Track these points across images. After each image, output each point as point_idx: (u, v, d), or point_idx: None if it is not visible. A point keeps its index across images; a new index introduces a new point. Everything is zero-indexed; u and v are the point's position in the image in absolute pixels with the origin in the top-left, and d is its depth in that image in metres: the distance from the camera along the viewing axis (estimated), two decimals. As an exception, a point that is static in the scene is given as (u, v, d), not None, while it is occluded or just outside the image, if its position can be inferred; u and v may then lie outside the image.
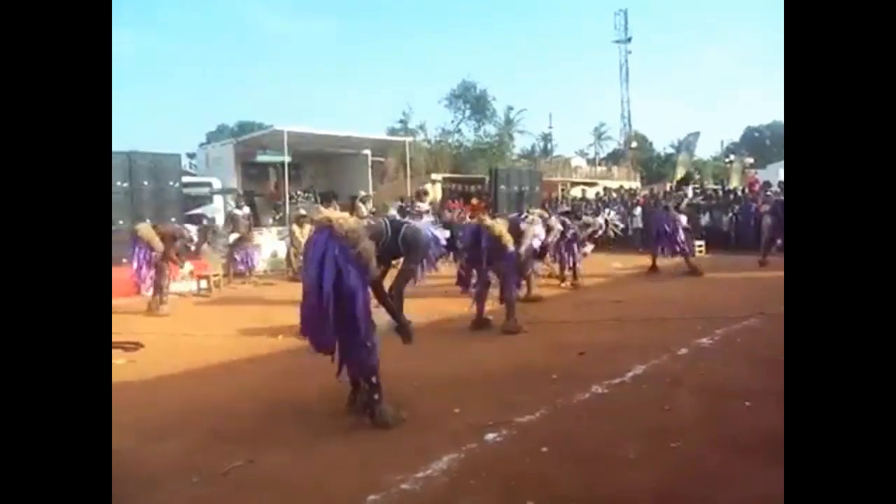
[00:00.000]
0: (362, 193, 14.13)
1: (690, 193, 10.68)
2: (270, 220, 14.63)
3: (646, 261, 10.62)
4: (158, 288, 8.03)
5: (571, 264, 9.24)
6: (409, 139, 22.03)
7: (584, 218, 9.74)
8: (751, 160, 30.97)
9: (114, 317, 7.88)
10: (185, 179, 14.53)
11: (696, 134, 27.60)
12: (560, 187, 27.10)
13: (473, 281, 6.83)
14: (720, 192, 17.90)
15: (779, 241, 10.67)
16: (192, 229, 9.16)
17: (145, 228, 8.04)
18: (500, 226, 5.89)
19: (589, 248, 9.58)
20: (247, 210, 12.12)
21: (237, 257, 11.56)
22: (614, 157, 45.88)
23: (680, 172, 23.61)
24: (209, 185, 15.06)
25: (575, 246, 9.12)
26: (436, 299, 7.62)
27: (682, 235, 10.05)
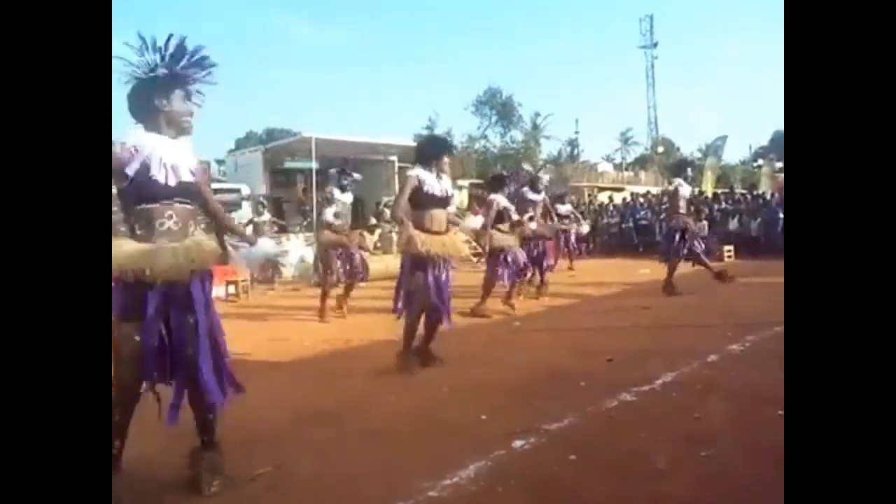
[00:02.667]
0: (386, 199, 14.17)
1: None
2: (298, 227, 14.75)
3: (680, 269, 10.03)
4: None
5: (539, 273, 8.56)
6: (434, 145, 22.00)
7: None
8: (780, 164, 30.38)
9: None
10: (215, 186, 14.71)
11: (724, 138, 27.05)
12: (587, 193, 26.92)
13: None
14: (749, 197, 17.63)
15: None
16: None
17: None
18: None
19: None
20: (267, 216, 12.26)
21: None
22: (641, 162, 45.59)
23: (708, 178, 23.23)
24: (238, 191, 15.26)
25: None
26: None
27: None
